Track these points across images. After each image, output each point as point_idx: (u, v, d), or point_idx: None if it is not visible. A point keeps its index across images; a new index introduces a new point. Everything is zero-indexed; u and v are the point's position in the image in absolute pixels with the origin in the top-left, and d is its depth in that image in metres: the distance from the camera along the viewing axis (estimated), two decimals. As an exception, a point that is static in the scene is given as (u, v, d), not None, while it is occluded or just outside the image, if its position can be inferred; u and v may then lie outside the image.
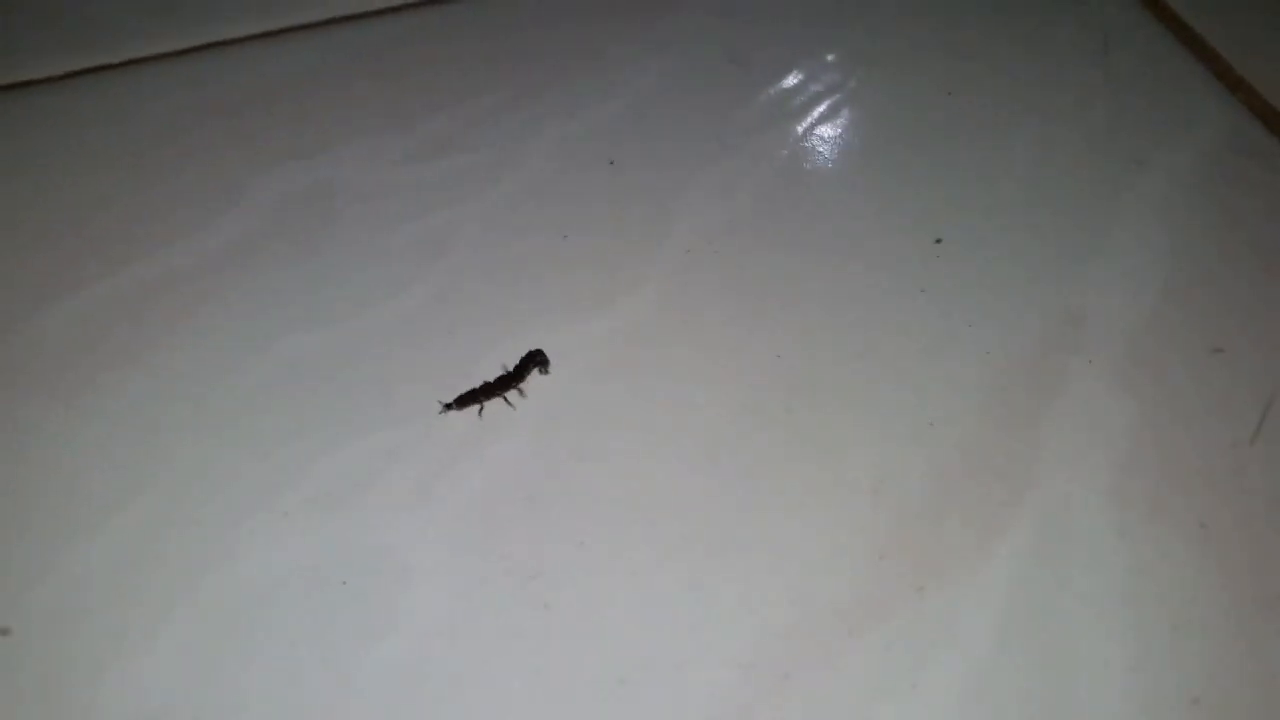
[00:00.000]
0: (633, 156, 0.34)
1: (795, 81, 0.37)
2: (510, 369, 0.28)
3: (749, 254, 0.31)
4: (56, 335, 0.30)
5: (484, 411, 0.27)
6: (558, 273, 0.31)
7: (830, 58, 0.38)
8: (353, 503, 0.26)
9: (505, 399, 0.28)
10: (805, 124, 0.35)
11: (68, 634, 0.25)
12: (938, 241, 0.31)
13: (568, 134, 0.35)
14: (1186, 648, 0.23)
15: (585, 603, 0.24)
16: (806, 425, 0.27)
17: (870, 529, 0.25)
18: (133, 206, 0.33)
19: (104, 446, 0.27)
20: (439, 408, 0.27)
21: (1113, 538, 0.25)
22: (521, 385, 0.28)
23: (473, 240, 0.32)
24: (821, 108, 0.36)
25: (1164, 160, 0.34)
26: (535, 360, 0.28)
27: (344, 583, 0.25)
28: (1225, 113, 0.35)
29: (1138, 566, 0.25)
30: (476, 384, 0.28)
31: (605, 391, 0.28)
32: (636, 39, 0.38)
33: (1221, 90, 0.35)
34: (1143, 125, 0.35)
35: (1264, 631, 0.23)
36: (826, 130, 0.35)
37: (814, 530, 0.25)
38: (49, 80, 0.37)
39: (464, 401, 0.27)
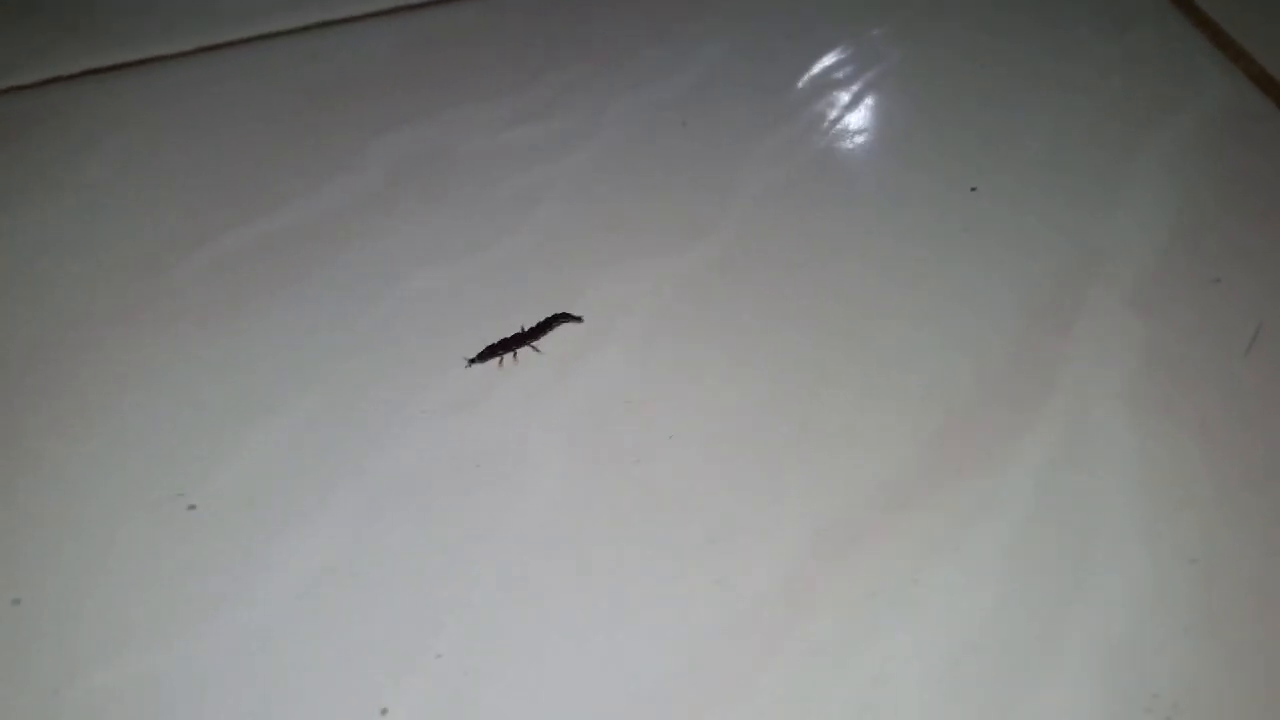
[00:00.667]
0: (703, 120, 0.39)
1: (843, 55, 0.42)
2: (527, 329, 0.32)
3: (810, 202, 0.36)
4: (219, 269, 0.35)
5: (503, 363, 0.32)
6: (642, 218, 0.36)
7: (874, 33, 0.42)
8: (481, 404, 0.31)
9: (532, 348, 0.32)
10: (852, 91, 0.40)
11: (248, 507, 0.30)
12: (973, 190, 0.36)
13: (645, 100, 0.40)
14: (1187, 519, 0.28)
15: (678, 481, 0.29)
16: (870, 339, 0.32)
17: (922, 424, 0.30)
18: (275, 165, 0.38)
19: (273, 357, 0.32)
20: (464, 363, 0.32)
21: (1126, 432, 0.30)
22: (537, 343, 0.32)
23: (566, 192, 0.37)
24: (866, 77, 0.41)
25: (1172, 122, 0.38)
26: (558, 321, 0.32)
27: (477, 465, 0.30)
28: (1227, 80, 0.39)
29: (1147, 455, 0.29)
30: (506, 335, 0.32)
31: (688, 315, 0.33)
32: (701, 19, 0.43)
33: (1224, 60, 0.40)
34: (1154, 92, 0.39)
35: (1252, 505, 0.28)
36: (870, 98, 0.40)
37: (876, 425, 0.30)
38: (193, 52, 0.42)
39: (485, 356, 0.32)
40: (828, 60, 0.41)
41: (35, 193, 0.38)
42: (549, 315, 0.32)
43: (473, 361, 0.32)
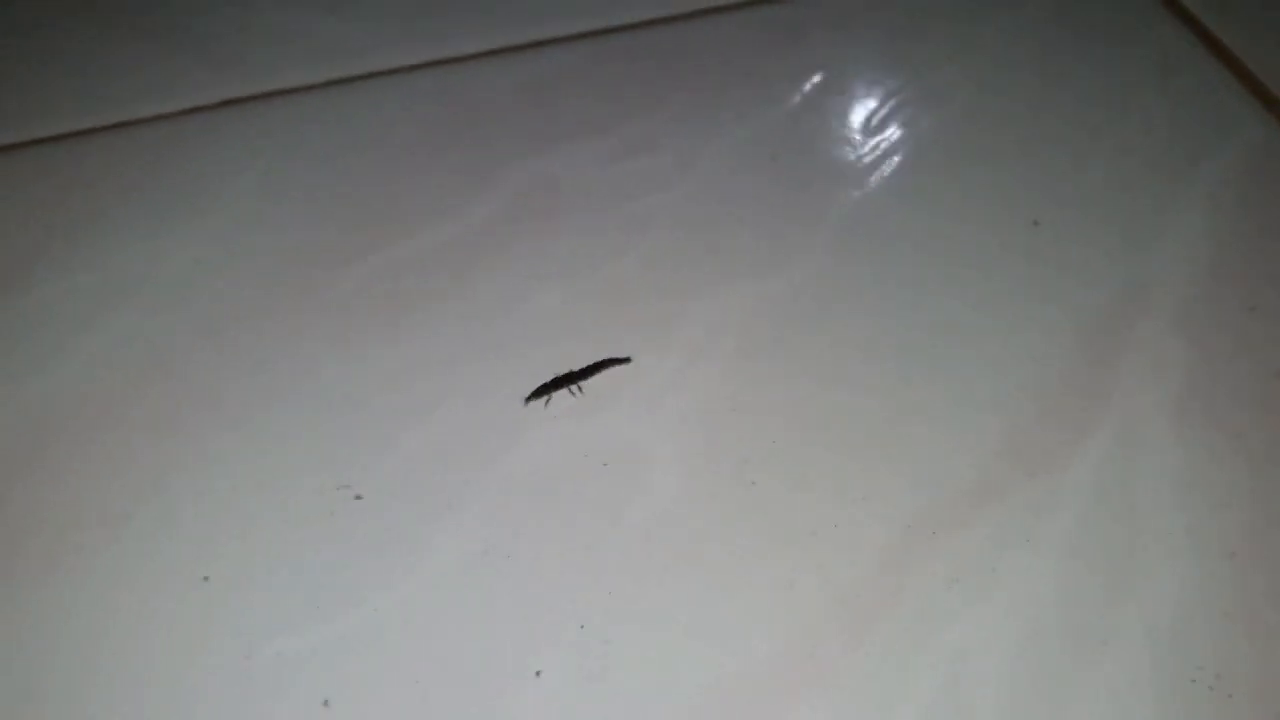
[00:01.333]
0: (790, 153, 0.43)
1: (912, 98, 0.46)
2: (576, 370, 0.36)
3: (889, 231, 0.40)
4: (364, 285, 0.39)
5: (548, 403, 0.36)
6: (738, 242, 0.40)
7: (941, 78, 0.47)
8: (606, 409, 0.36)
9: (571, 391, 0.36)
10: (922, 131, 0.45)
11: (407, 497, 0.34)
12: (1035, 224, 0.40)
13: (738, 136, 0.44)
14: (1226, 517, 0.32)
15: (781, 481, 0.34)
16: (945, 355, 0.36)
17: (994, 432, 0.34)
18: (408, 193, 0.42)
19: (421, 364, 0.37)
20: (521, 402, 0.36)
21: (1171, 442, 0.34)
22: (582, 383, 0.36)
23: (669, 219, 0.41)
24: (934, 118, 0.45)
25: (1212, 163, 0.42)
26: (607, 364, 0.36)
27: (604, 464, 0.35)
28: (1260, 125, 0.43)
29: (1191, 462, 0.34)
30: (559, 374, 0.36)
31: (782, 333, 0.38)
32: (783, 62, 0.47)
33: (1259, 106, 0.44)
34: (1193, 135, 0.43)
35: (1284, 506, 0.33)
36: (940, 137, 0.44)
37: (954, 433, 0.34)
38: (323, 85, 0.47)
39: (538, 394, 0.35)
40: (898, 101, 0.46)
41: (182, 218, 0.42)
42: (599, 360, 0.36)
43: (528, 400, 0.36)
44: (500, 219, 0.41)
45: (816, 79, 0.46)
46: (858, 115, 0.45)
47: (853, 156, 0.43)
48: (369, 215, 0.41)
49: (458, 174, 0.43)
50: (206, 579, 0.32)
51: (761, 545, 0.32)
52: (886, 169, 0.42)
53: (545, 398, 0.36)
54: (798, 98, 0.46)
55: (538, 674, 0.30)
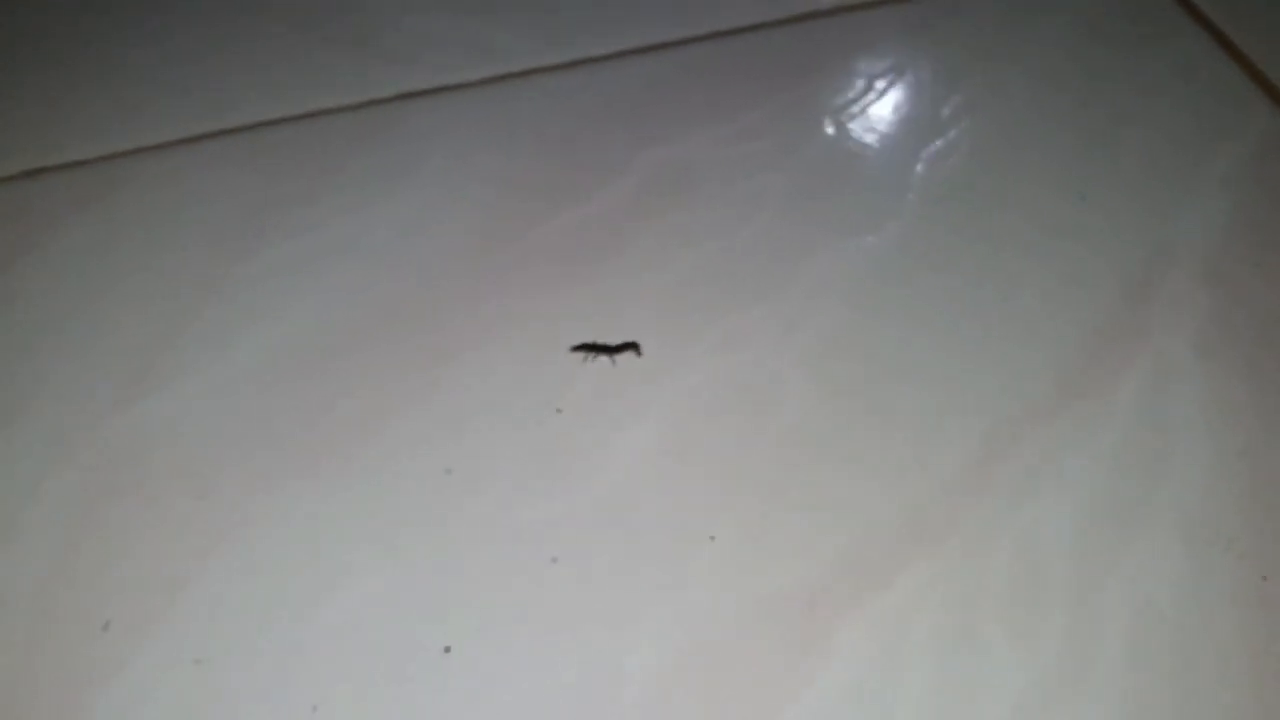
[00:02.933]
0: (875, 140, 0.53)
1: (976, 92, 0.55)
2: (612, 344, 0.44)
3: (963, 197, 0.50)
4: (538, 249, 0.48)
5: (586, 360, 0.44)
6: (838, 207, 0.50)
7: (998, 77, 0.56)
8: (740, 349, 0.45)
9: (611, 359, 0.44)
10: (986, 121, 0.54)
11: (598, 410, 0.43)
12: (1082, 198, 0.50)
13: (839, 119, 0.53)
14: (1240, 424, 0.42)
15: (880, 406, 0.43)
16: (1012, 301, 0.46)
17: (1049, 364, 0.44)
18: (560, 173, 0.51)
19: (595, 313, 0.46)
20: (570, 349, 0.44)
21: (1198, 369, 0.44)
22: (616, 356, 0.44)
23: (782, 191, 0.51)
24: (992, 113, 0.54)
25: (1227, 146, 0.52)
26: (629, 346, 0.44)
27: (740, 394, 0.44)
28: (1269, 116, 0.53)
29: (1211, 384, 0.43)
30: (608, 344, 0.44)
31: (881, 280, 0.47)
32: (866, 60, 0.57)
33: (1268, 101, 0.53)
34: (1211, 125, 0.53)
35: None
36: (1001, 126, 0.53)
37: (1018, 362, 0.44)
38: (478, 83, 0.56)
39: (581, 349, 0.44)
40: (965, 96, 0.55)
41: (380, 196, 0.51)
42: (630, 341, 0.44)
43: (573, 349, 0.44)
44: (640, 195, 0.50)
45: (888, 75, 0.55)
46: (932, 107, 0.54)
47: (929, 140, 0.52)
48: (533, 193, 0.50)
49: (601, 157, 0.51)
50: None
51: (876, 438, 0.41)
52: (958, 152, 0.52)
53: (585, 355, 0.44)
54: (874, 96, 0.55)
55: (711, 538, 0.39)
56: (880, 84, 0.55)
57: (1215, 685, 0.35)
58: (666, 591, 0.37)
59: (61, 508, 0.40)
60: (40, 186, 0.52)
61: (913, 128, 0.53)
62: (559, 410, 0.43)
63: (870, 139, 0.52)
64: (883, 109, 0.54)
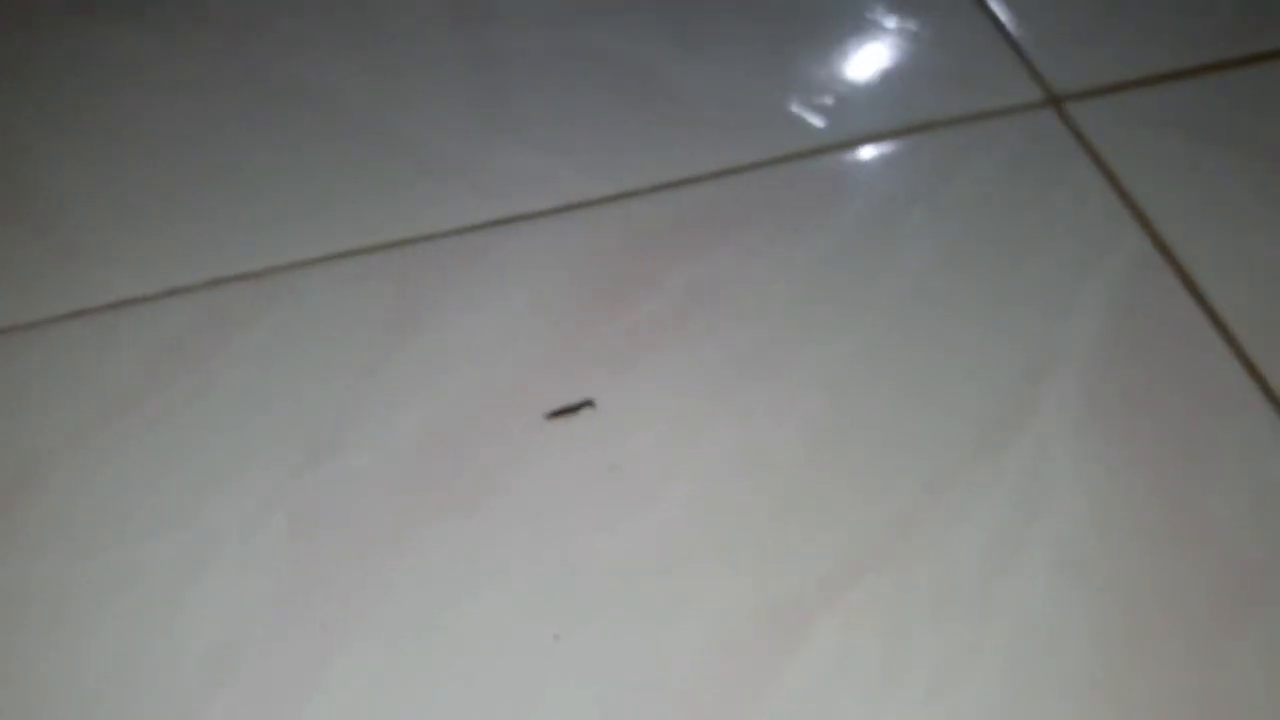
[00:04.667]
0: (846, 258, 0.71)
1: (912, 225, 0.73)
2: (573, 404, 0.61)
3: (908, 308, 0.68)
4: (609, 341, 0.67)
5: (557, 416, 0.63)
6: (821, 313, 0.68)
7: (927, 205, 0.74)
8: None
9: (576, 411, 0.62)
10: (925, 245, 0.72)
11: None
12: (992, 308, 0.68)
13: (825, 239, 0.72)
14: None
15: (845, 455, 0.61)
16: (930, 391, 0.64)
17: (958, 441, 0.62)
18: (607, 290, 0.70)
19: (657, 390, 0.64)
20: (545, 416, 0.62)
21: (1073, 444, 0.62)
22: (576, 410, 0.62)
23: (782, 298, 0.69)
24: (928, 238, 0.72)
25: (1105, 267, 0.70)
26: (586, 404, 0.61)
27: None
28: (1135, 240, 0.71)
29: (1086, 457, 0.61)
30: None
31: (843, 372, 0.65)
32: (842, 190, 0.75)
33: (1140, 228, 0.72)
34: (1086, 245, 0.71)
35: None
36: (936, 251, 0.72)
37: (931, 438, 0.62)
38: (534, 214, 0.74)
39: (556, 414, 0.62)
40: (915, 220, 0.73)
41: (492, 305, 0.69)
42: (588, 400, 0.62)
43: (548, 416, 0.62)
44: (679, 305, 0.68)
45: (867, 205, 0.73)
46: (891, 231, 0.72)
47: (889, 257, 0.71)
48: (591, 304, 0.68)
49: (643, 273, 0.70)
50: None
51: (850, 479, 0.60)
52: (907, 270, 0.70)
53: (564, 416, 0.62)
54: (860, 218, 0.73)
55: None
56: (853, 210, 0.73)
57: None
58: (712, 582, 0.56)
59: (276, 545, 0.58)
60: (225, 293, 0.70)
61: (878, 243, 0.71)
62: (616, 467, 0.61)
63: (848, 254, 0.70)
64: (854, 230, 0.72)
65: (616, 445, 0.61)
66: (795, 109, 0.79)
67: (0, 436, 0.63)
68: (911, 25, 0.86)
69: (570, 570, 0.56)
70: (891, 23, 0.86)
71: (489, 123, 0.79)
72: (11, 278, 0.71)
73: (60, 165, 0.78)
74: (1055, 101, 0.80)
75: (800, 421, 0.62)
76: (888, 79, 0.82)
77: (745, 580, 0.56)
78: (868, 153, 0.77)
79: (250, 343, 0.66)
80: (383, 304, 0.68)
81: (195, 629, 0.55)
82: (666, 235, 0.71)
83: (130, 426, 0.63)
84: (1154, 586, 0.55)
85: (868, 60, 0.84)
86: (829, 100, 0.79)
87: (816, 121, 0.78)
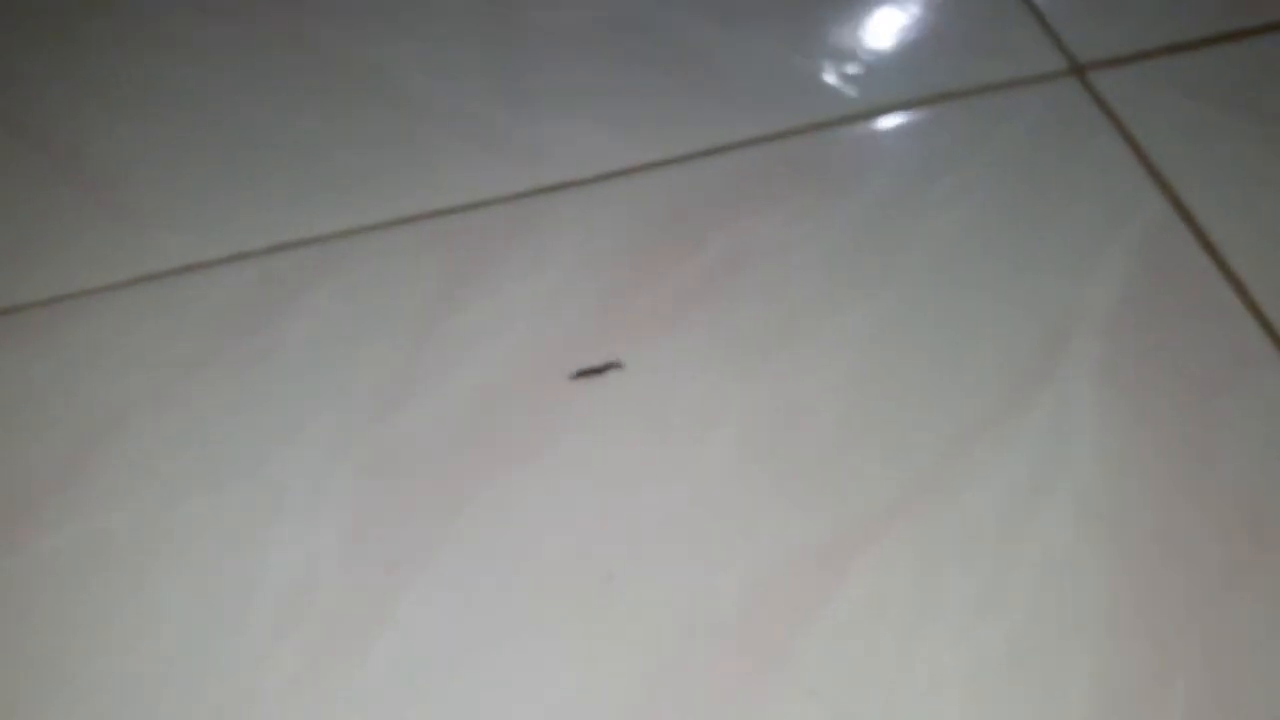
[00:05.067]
0: (880, 221, 0.74)
1: (944, 190, 0.76)
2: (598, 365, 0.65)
3: (938, 272, 0.71)
4: (656, 305, 0.70)
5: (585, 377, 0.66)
6: (850, 273, 0.71)
7: (956, 176, 0.77)
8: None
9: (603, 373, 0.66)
10: (954, 214, 0.75)
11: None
12: (1019, 271, 0.71)
13: (859, 204, 0.75)
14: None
15: (866, 412, 0.65)
16: (957, 348, 0.67)
17: (985, 394, 0.65)
18: (648, 260, 0.73)
19: (697, 349, 0.68)
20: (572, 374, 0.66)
21: (1094, 402, 0.65)
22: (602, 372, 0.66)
23: (817, 260, 0.72)
24: (958, 207, 0.75)
25: (1125, 232, 0.73)
26: (614, 365, 0.67)
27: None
28: (1156, 205, 0.74)
29: (1104, 414, 0.65)
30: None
31: (884, 331, 0.68)
32: (874, 157, 0.78)
33: (1161, 193, 0.74)
34: (1109, 208, 0.74)
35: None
36: (966, 218, 0.75)
37: (959, 391, 0.65)
38: (584, 182, 0.77)
39: (580, 374, 0.65)
40: (946, 187, 0.76)
41: (527, 277, 0.72)
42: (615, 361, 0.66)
43: (572, 377, 0.65)
44: (714, 271, 0.72)
45: (896, 172, 0.76)
46: (922, 196, 0.75)
47: (921, 220, 0.74)
48: (636, 266, 0.72)
49: (681, 237, 0.73)
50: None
51: (880, 431, 0.63)
52: (938, 235, 0.73)
53: (589, 376, 0.66)
54: (891, 186, 0.76)
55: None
56: (883, 177, 0.76)
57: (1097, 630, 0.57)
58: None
59: (343, 494, 0.62)
60: (285, 258, 0.73)
61: (907, 210, 0.74)
62: (662, 420, 0.65)
63: (878, 221, 0.73)
64: (884, 198, 0.75)
65: (661, 401, 0.65)
66: (826, 77, 0.82)
67: (79, 396, 0.67)
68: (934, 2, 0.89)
69: (620, 516, 0.60)
70: (920, -6, 0.89)
71: (532, 94, 0.82)
72: (81, 246, 0.75)
73: (122, 137, 0.81)
74: (1078, 71, 0.82)
75: (835, 378, 0.65)
76: (915, 48, 0.85)
77: (784, 525, 0.60)
78: (895, 121, 0.80)
79: (311, 306, 0.70)
80: (436, 268, 0.72)
81: (268, 572, 0.59)
82: (704, 202, 0.74)
83: (201, 385, 0.67)
84: (1168, 534, 0.58)
85: (895, 29, 0.86)
86: (858, 69, 0.82)
87: (846, 90, 0.81)
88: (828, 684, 0.54)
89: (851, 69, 0.82)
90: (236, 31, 0.88)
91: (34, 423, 0.66)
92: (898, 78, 0.81)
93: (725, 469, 0.62)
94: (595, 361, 0.65)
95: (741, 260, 0.71)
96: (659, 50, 0.84)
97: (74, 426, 0.65)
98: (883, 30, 0.86)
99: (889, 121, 0.80)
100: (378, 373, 0.67)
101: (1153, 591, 0.56)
